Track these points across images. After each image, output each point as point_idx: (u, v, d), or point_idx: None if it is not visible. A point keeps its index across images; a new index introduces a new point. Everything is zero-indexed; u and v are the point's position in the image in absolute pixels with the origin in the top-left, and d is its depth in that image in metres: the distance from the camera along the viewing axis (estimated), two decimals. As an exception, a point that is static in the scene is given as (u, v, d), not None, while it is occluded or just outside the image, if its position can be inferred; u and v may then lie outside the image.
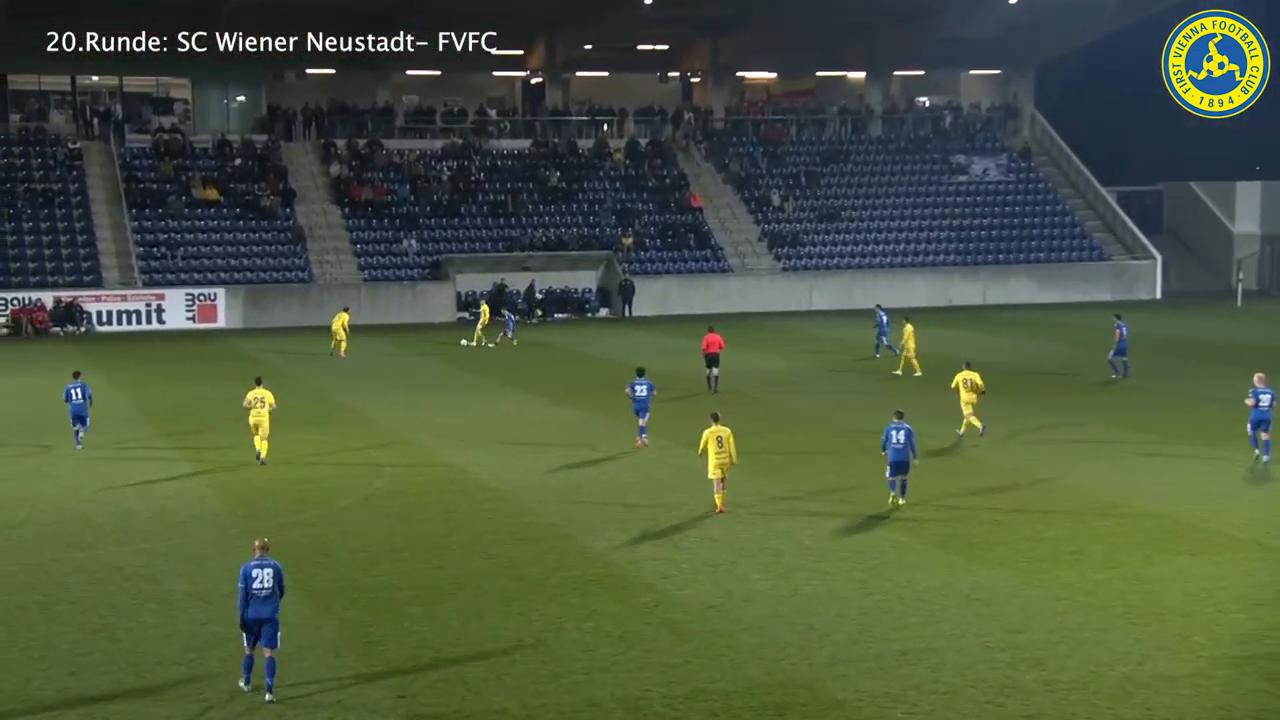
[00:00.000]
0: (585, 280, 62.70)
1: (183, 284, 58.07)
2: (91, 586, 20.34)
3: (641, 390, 30.22)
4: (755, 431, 32.40)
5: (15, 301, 55.48)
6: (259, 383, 29.65)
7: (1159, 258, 66.77)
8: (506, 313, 50.81)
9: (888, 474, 24.82)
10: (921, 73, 76.94)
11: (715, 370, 37.73)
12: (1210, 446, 29.97)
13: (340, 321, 46.46)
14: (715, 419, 24.89)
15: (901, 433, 24.57)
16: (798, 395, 38.28)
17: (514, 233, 63.98)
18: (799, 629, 18.22)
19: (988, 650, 17.28)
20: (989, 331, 51.19)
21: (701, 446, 24.49)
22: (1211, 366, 43.13)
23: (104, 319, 56.09)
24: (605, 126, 71.66)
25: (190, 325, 56.65)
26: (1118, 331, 39.75)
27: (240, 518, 24.31)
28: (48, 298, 55.84)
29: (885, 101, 74.73)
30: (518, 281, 61.07)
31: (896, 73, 76.10)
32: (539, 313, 60.57)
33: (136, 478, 27.74)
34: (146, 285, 57.49)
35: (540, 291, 60.99)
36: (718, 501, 24.45)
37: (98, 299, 56.44)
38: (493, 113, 71.37)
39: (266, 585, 16.29)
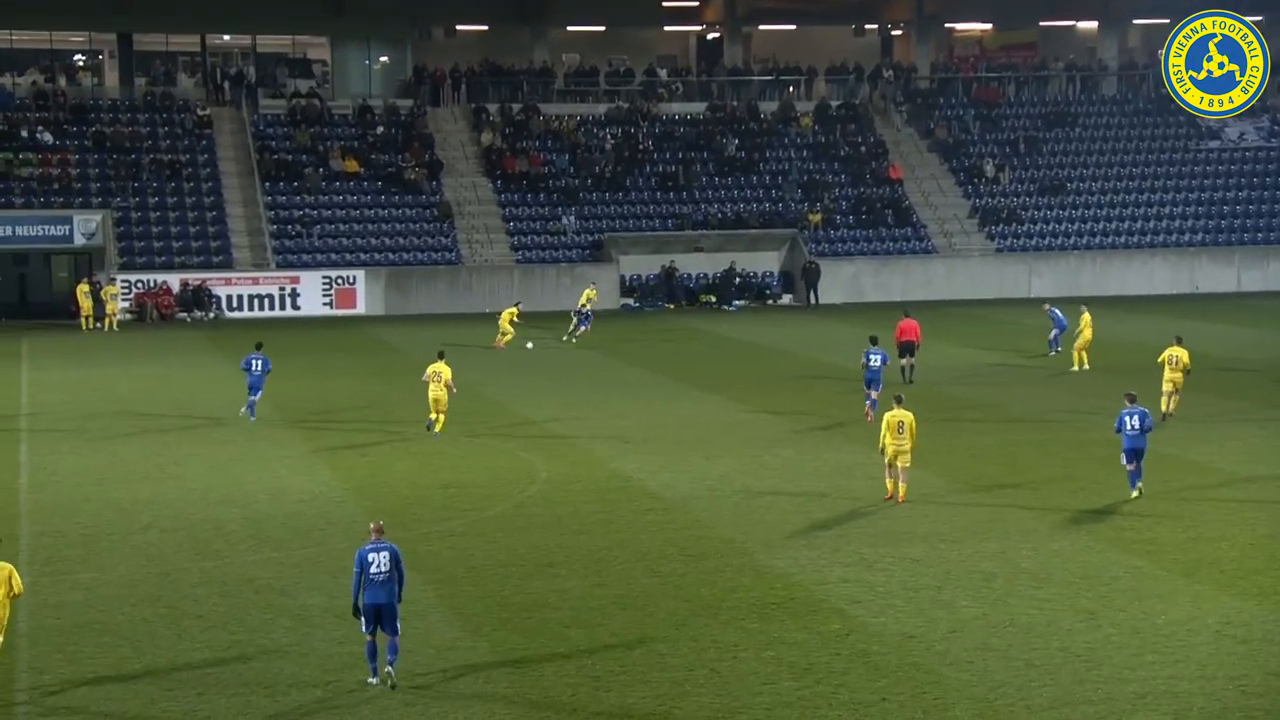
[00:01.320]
0: (766, 263, 62.59)
1: (319, 265, 59.61)
2: (221, 599, 20.99)
3: (875, 360, 32.83)
4: (951, 434, 31.93)
5: (140, 284, 57.65)
6: (440, 356, 32.80)
7: None
8: (584, 310, 49.06)
9: (1123, 461, 25.89)
10: (1166, 21, 74.77)
11: (911, 359, 38.44)
12: None
13: (509, 316, 47.11)
14: (898, 401, 26.29)
15: (1136, 417, 25.63)
16: (1009, 393, 37.57)
17: (685, 209, 64.20)
18: (1015, 665, 17.88)
19: (1243, 695, 16.74)
20: (1243, 324, 49.49)
21: (882, 435, 25.84)
22: None
23: (234, 304, 57.96)
24: (791, 88, 71.46)
25: (327, 311, 58.14)
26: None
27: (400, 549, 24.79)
28: (174, 280, 57.87)
29: (1121, 55, 73.06)
30: (693, 264, 61.20)
31: (1136, 21, 74.21)
32: (713, 299, 60.62)
33: (269, 480, 28.55)
34: (280, 267, 59.20)
35: (739, 275, 61.05)
36: (889, 487, 25.95)
37: (228, 282, 58.34)
38: (663, 73, 71.72)
39: (384, 569, 17.27)
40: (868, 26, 75.40)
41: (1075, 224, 64.95)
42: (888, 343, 36.10)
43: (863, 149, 67.50)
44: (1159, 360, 33.54)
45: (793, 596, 20.81)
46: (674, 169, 65.69)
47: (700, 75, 72.47)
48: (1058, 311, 43.90)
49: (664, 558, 22.87)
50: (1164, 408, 32.67)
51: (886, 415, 26.02)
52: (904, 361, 38.23)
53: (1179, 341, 33.41)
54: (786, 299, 61.83)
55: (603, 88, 70.31)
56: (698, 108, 69.13)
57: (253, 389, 33.91)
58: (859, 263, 62.47)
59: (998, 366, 42.64)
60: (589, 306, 49.29)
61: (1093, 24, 74.03)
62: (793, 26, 74.12)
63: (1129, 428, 25.76)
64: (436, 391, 32.10)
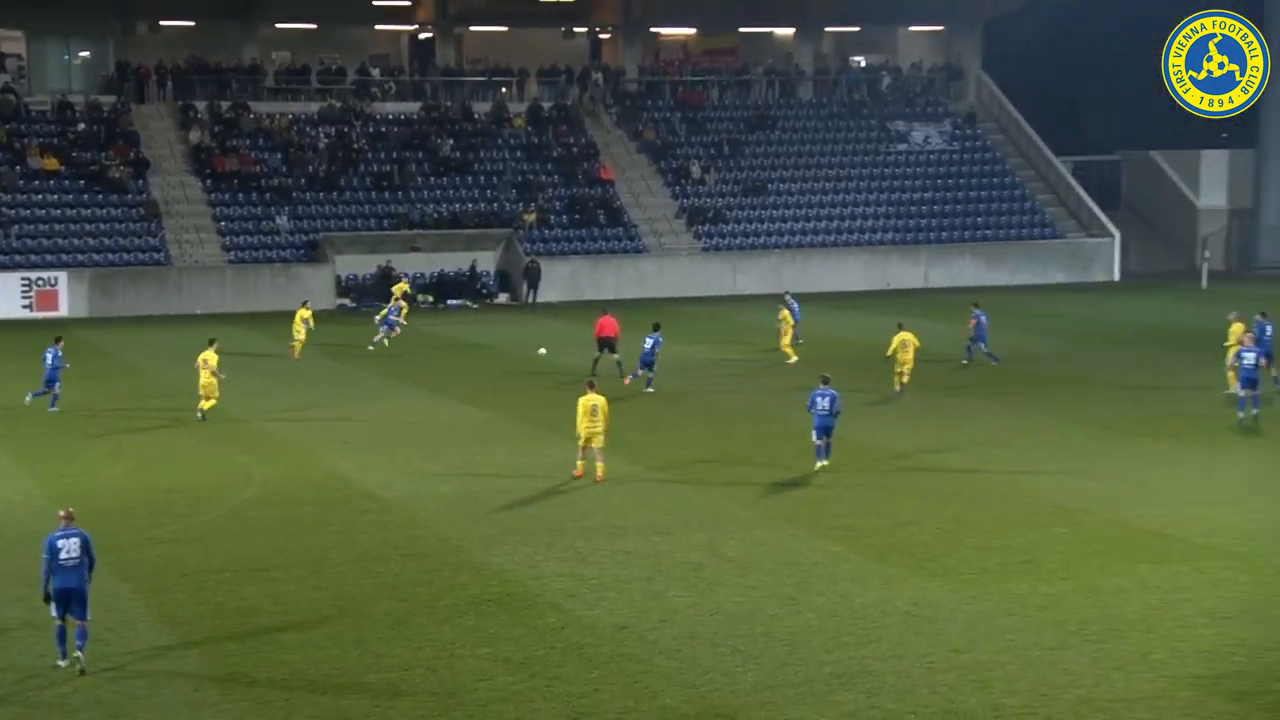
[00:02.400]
0: (483, 262, 62.49)
1: (17, 266, 57.05)
2: (-87, 615, 19.92)
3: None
4: (666, 427, 32.53)
5: None
6: (211, 344, 34.12)
7: (1117, 235, 67.95)
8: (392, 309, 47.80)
9: (814, 437, 28.05)
10: (856, 29, 77.62)
11: (613, 355, 39.12)
12: (1172, 443, 30.60)
13: (301, 318, 44.11)
14: (590, 386, 27.74)
15: (826, 399, 27.81)
16: (719, 386, 38.46)
17: (401, 208, 63.62)
18: (721, 652, 18.33)
19: (930, 672, 17.51)
20: (930, 318, 51.62)
21: (579, 420, 27.12)
22: (1173, 355, 43.99)
23: (-73, 307, 54.95)
24: (504, 88, 71.49)
25: (26, 314, 55.63)
26: (974, 320, 41.59)
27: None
28: None
29: (816, 61, 75.34)
30: (410, 263, 60.76)
31: (828, 29, 76.70)
32: (430, 299, 60.30)
33: (-34, 490, 27.20)
34: (-24, 268, 56.42)
35: (484, 274, 60.88)
36: (580, 468, 27.34)
37: (-80, 284, 55.30)
38: (376, 72, 70.87)
39: (74, 554, 17.69)
40: (577, 30, 75.94)
41: (776, 223, 66.72)
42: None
43: (575, 150, 68.00)
44: (889, 352, 36.57)
45: (509, 592, 20.90)
46: (389, 168, 65.01)
47: (413, 75, 71.87)
48: (796, 304, 44.93)
49: (381, 558, 22.69)
50: (897, 386, 36.33)
51: (581, 400, 27.19)
52: (602, 356, 39.00)
53: (901, 327, 36.69)
54: (503, 298, 61.87)
55: (315, 86, 69.08)
56: (411, 107, 68.56)
57: (48, 382, 35.05)
58: (574, 262, 62.93)
59: (707, 360, 43.51)
60: (400, 305, 48.22)
61: (790, 30, 76.14)
62: (504, 28, 74.13)
63: (819, 407, 27.91)
64: (205, 378, 33.45)
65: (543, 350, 45.23)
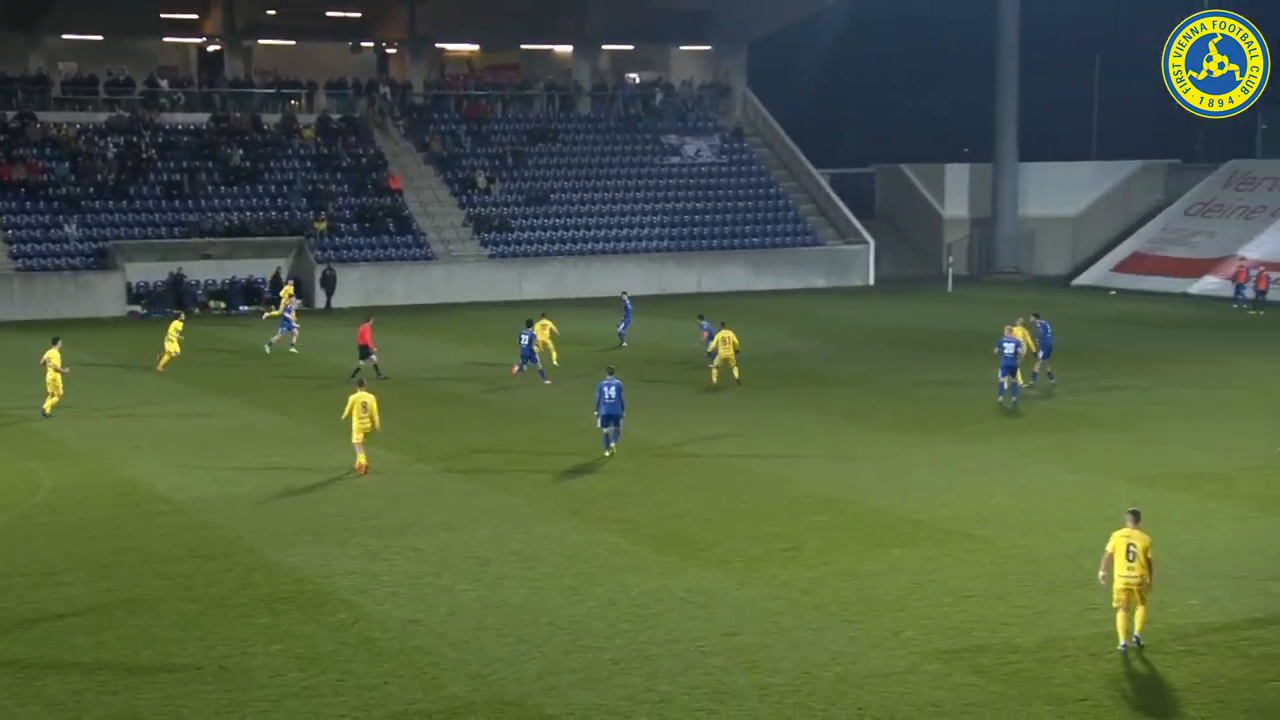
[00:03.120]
0: (274, 269, 61.16)
1: None
2: None
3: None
4: (453, 426, 32.36)
5: None
6: (55, 343, 34.65)
7: (872, 242, 69.80)
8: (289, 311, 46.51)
9: (599, 424, 29.02)
10: (631, 47, 78.22)
11: (372, 359, 39.36)
12: (922, 435, 31.56)
13: (174, 330, 41.69)
14: (360, 385, 28.53)
15: (613, 388, 28.78)
16: (501, 388, 38.40)
17: (192, 217, 61.88)
18: (508, 642, 18.32)
19: (702, 655, 17.77)
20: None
21: (346, 412, 27.82)
22: (922, 354, 45.38)
23: None
24: (293, 100, 70.10)
25: None
26: (705, 333, 41.42)
27: None
28: None
29: (594, 78, 75.65)
30: (199, 271, 59.18)
31: (605, 47, 77.13)
32: (222, 305, 58.86)
33: None
34: None
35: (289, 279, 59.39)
36: (362, 461, 27.80)
37: None
38: (164, 83, 68.78)
39: None
40: (364, 44, 74.89)
41: (559, 231, 66.85)
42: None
43: (364, 160, 67.07)
44: (711, 347, 38.09)
45: (301, 590, 20.54)
46: (179, 177, 63.17)
47: (202, 86, 69.97)
48: (629, 304, 46.13)
49: (173, 559, 22.08)
50: (714, 380, 37.63)
51: (352, 398, 27.80)
52: (365, 362, 39.14)
53: (724, 325, 38.26)
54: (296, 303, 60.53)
55: (102, 96, 66.73)
56: (201, 118, 66.73)
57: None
58: (364, 269, 62.05)
59: (491, 363, 43.29)
60: (291, 306, 47.20)
61: (568, 48, 76.36)
62: (292, 42, 72.70)
63: (606, 396, 28.76)
64: (50, 374, 33.77)
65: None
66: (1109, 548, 17.83)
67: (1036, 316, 38.02)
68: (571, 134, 72.33)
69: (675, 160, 71.80)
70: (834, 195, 72.10)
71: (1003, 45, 70.19)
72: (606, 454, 29.03)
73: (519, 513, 24.97)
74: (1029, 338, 36.51)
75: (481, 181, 67.60)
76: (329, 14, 70.82)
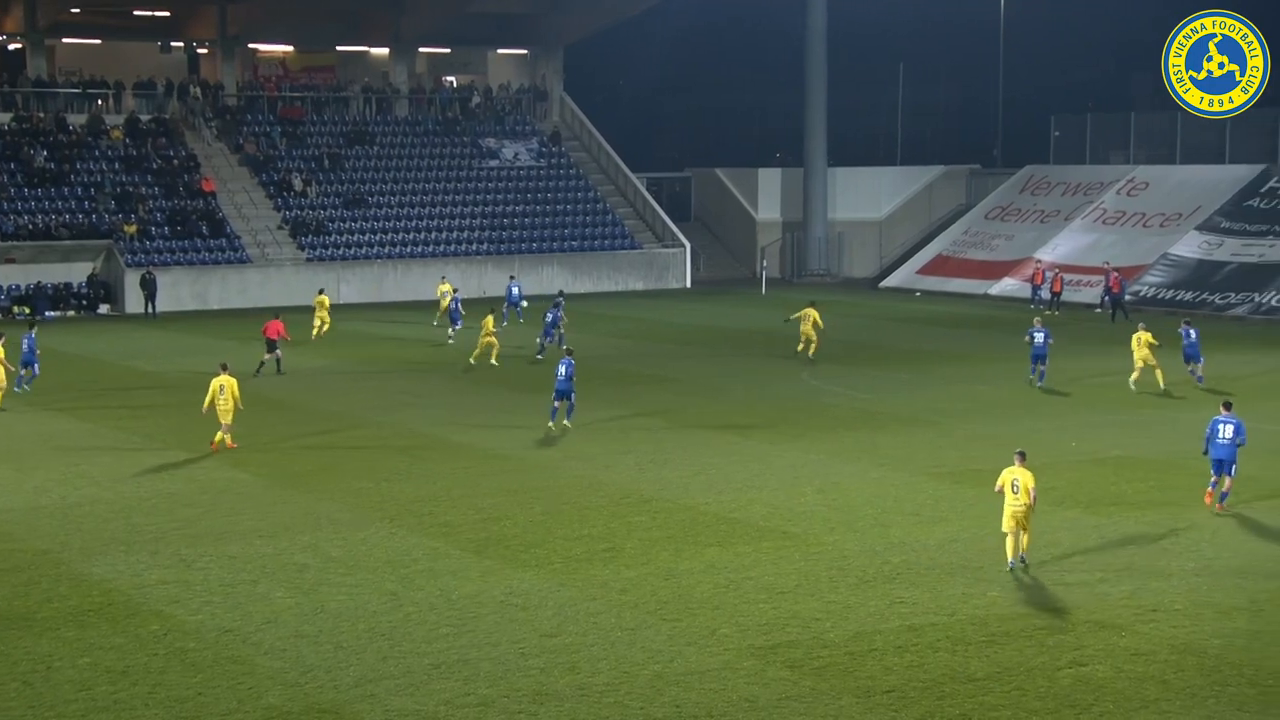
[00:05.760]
0: (81, 273, 59.26)
1: None
2: None
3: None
4: (271, 432, 31.78)
5: None
6: None
7: (688, 245, 70.51)
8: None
9: (553, 399, 31.76)
10: (448, 50, 77.72)
11: (276, 353, 40.47)
12: (736, 435, 31.99)
13: None
14: (224, 368, 30.27)
15: (564, 367, 31.52)
16: (325, 392, 37.83)
17: (-7, 219, 59.62)
18: (325, 649, 18.05)
19: (522, 657, 17.75)
20: (515, 323, 52.33)
21: (208, 401, 29.82)
22: (739, 355, 46.00)
23: None
24: (100, 100, 67.97)
25: None
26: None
27: None
28: None
29: (411, 80, 74.95)
30: (3, 275, 57.01)
31: (422, 50, 76.50)
32: (26, 310, 56.79)
33: None
34: None
35: (48, 286, 57.28)
36: (216, 441, 29.85)
37: None
38: (-38, 82, 66.15)
39: None
40: (174, 44, 72.97)
41: (377, 234, 66.05)
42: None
43: (175, 162, 65.37)
44: (481, 343, 39.83)
45: (111, 602, 19.94)
46: (-21, 179, 60.83)
47: (3, 86, 67.39)
48: (515, 290, 49.86)
49: (-25, 575, 21.24)
50: (479, 358, 40.03)
51: (213, 380, 29.82)
52: (270, 355, 40.24)
53: (492, 312, 40.90)
54: (104, 309, 58.84)
55: (-104, 95, 63.87)
56: (2, 118, 64.27)
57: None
58: (176, 273, 60.49)
59: (310, 368, 42.61)
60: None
61: (385, 50, 75.53)
62: (98, 41, 70.48)
63: (561, 375, 31.47)
64: None
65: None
66: (999, 483, 21.19)
67: (1187, 324, 37.73)
68: (389, 137, 71.56)
69: (493, 163, 71.55)
70: (651, 199, 72.64)
71: (811, 53, 71.55)
72: (550, 425, 31.72)
73: (338, 518, 24.62)
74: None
75: (298, 184, 66.44)
76: (136, 13, 68.90)
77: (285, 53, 77.05)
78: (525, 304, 51.55)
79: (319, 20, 71.61)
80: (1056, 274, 58.75)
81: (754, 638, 18.43)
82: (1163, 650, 17.77)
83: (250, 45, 73.80)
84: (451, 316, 48.20)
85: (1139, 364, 36.83)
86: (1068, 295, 57.93)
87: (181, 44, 73.25)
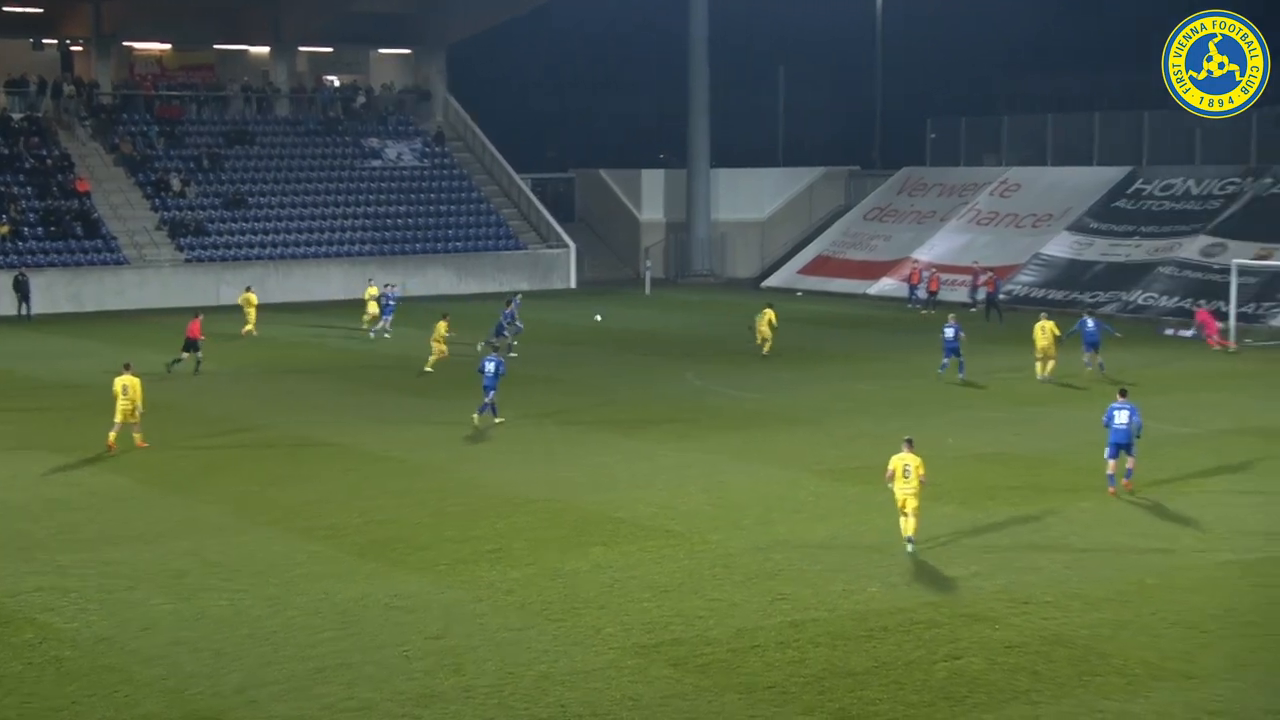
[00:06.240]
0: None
1: None
2: None
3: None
4: (151, 438, 31.22)
5: None
6: None
7: (573, 246, 70.48)
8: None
9: (485, 396, 32.21)
10: (329, 50, 76.85)
11: (196, 353, 40.51)
12: (622, 434, 32.07)
13: None
14: (126, 368, 30.14)
15: (492, 364, 32.43)
16: (203, 395, 37.23)
17: None
18: (205, 656, 17.77)
19: (406, 660, 17.63)
20: (402, 324, 51.90)
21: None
22: (621, 354, 46.09)
23: None
24: (-31, 98, 66.20)
25: None
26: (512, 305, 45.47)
27: None
28: None
29: (292, 80, 73.99)
30: None
31: (303, 49, 75.55)
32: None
33: None
34: None
35: None
36: (111, 439, 29.65)
37: None
38: None
39: None
40: (46, 41, 71.25)
41: (258, 235, 65.11)
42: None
43: (49, 161, 63.84)
44: (437, 350, 39.64)
45: (-17, 612, 19.46)
46: None
47: None
48: (391, 294, 49.07)
49: None
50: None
51: (116, 379, 29.87)
52: (188, 354, 40.38)
53: (444, 316, 40.96)
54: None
55: None
56: None
57: None
58: (51, 274, 59.07)
59: (191, 371, 41.90)
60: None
61: (265, 49, 74.47)
62: (-33, 38, 68.67)
63: (487, 371, 32.26)
64: None
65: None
66: (890, 468, 22.26)
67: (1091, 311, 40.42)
68: (269, 136, 70.58)
69: (377, 164, 70.91)
70: (535, 200, 72.49)
71: (694, 55, 71.93)
72: (475, 418, 32.30)
73: (218, 524, 24.25)
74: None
75: (176, 184, 65.25)
76: (7, 9, 67.10)
77: (162, 51, 75.59)
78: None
79: (196, 18, 70.40)
80: (933, 274, 59.69)
81: (638, 636, 18.50)
82: (1034, 642, 18.16)
83: (126, 43, 72.30)
84: (383, 311, 49.25)
85: (1042, 354, 37.92)
86: (944, 295, 58.88)
87: (55, 41, 71.57)
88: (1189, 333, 47.02)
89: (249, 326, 48.21)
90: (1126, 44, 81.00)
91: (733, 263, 73.89)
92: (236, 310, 50.05)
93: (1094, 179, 64.30)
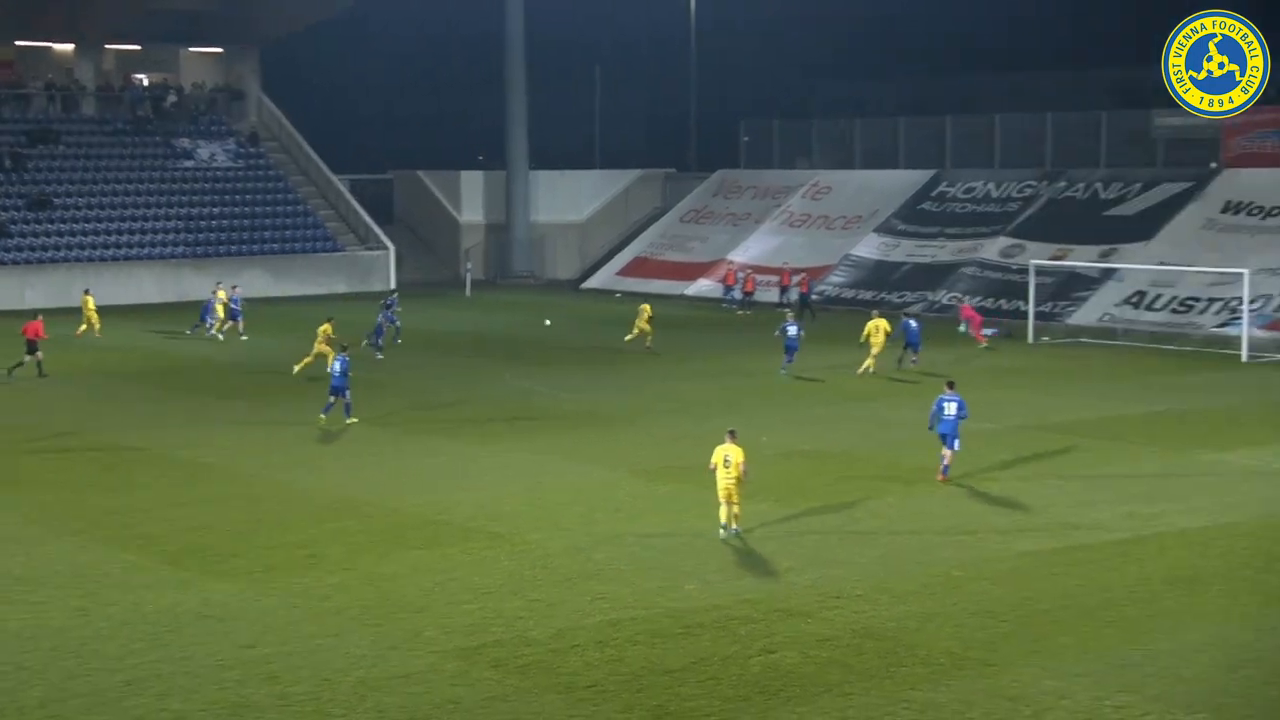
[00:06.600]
0: None
1: None
2: None
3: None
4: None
5: None
6: None
7: (392, 247, 69.65)
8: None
9: (329, 395, 32.43)
10: (138, 48, 74.62)
11: (37, 355, 39.44)
12: (442, 436, 31.82)
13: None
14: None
15: (339, 364, 32.18)
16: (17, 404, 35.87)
17: None
18: (5, 670, 17.11)
19: (219, 669, 17.20)
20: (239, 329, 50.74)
21: None
22: (442, 356, 45.71)
23: None
24: None
25: None
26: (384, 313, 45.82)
27: None
28: None
29: (99, 78, 71.65)
30: None
31: (109, 46, 73.21)
32: None
33: None
34: None
35: None
36: None
37: None
38: None
39: None
40: None
41: (65, 237, 62.90)
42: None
43: None
44: (315, 351, 38.65)
45: None
46: None
47: None
48: (214, 301, 48.68)
49: None
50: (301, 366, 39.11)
51: None
52: (30, 357, 39.14)
53: (329, 320, 40.22)
54: None
55: None
56: None
57: None
58: None
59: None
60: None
61: (69, 46, 71.97)
62: None
63: (335, 370, 32.25)
64: None
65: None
66: (713, 461, 22.73)
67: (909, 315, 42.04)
68: (76, 136, 68.24)
69: (189, 164, 69.09)
70: (353, 201, 71.46)
71: (510, 57, 71.73)
72: (322, 417, 32.28)
73: (19, 534, 23.37)
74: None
75: (-24, 184, 62.67)
76: None
77: (-42, 47, 72.54)
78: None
79: (-6, 14, 67.76)
80: (749, 275, 60.52)
81: (459, 639, 18.35)
82: (845, 635, 18.53)
83: (-79, 38, 69.25)
84: (232, 314, 48.91)
85: (874, 351, 39.36)
86: (760, 295, 59.71)
87: None
88: (962, 328, 48.31)
89: (84, 327, 47.26)
90: (932, 52, 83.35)
91: (552, 264, 73.86)
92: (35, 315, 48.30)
93: (900, 182, 65.91)
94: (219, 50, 74.52)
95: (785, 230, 66.49)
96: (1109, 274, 52.66)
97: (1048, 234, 57.69)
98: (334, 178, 72.14)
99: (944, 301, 56.62)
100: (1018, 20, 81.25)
